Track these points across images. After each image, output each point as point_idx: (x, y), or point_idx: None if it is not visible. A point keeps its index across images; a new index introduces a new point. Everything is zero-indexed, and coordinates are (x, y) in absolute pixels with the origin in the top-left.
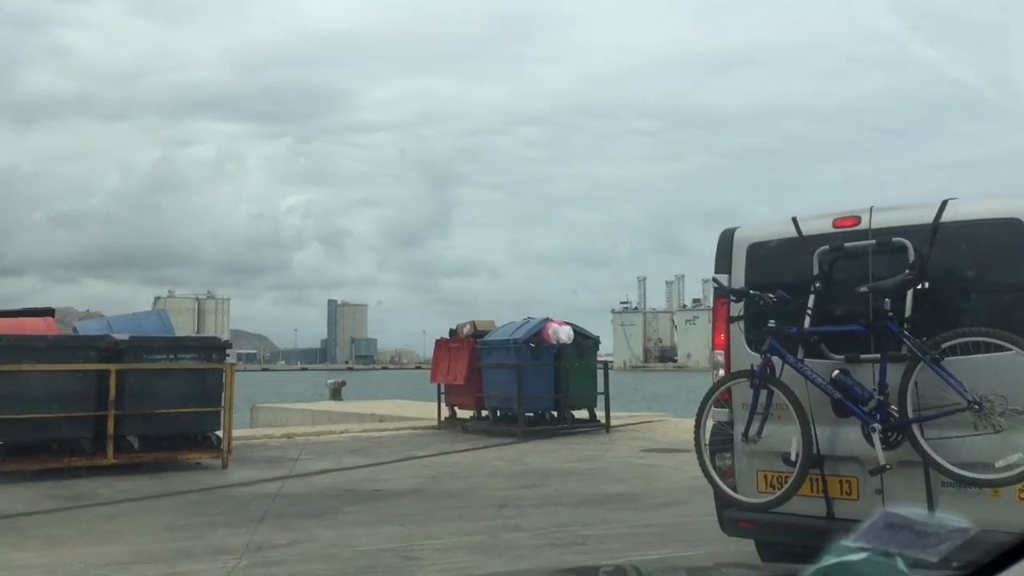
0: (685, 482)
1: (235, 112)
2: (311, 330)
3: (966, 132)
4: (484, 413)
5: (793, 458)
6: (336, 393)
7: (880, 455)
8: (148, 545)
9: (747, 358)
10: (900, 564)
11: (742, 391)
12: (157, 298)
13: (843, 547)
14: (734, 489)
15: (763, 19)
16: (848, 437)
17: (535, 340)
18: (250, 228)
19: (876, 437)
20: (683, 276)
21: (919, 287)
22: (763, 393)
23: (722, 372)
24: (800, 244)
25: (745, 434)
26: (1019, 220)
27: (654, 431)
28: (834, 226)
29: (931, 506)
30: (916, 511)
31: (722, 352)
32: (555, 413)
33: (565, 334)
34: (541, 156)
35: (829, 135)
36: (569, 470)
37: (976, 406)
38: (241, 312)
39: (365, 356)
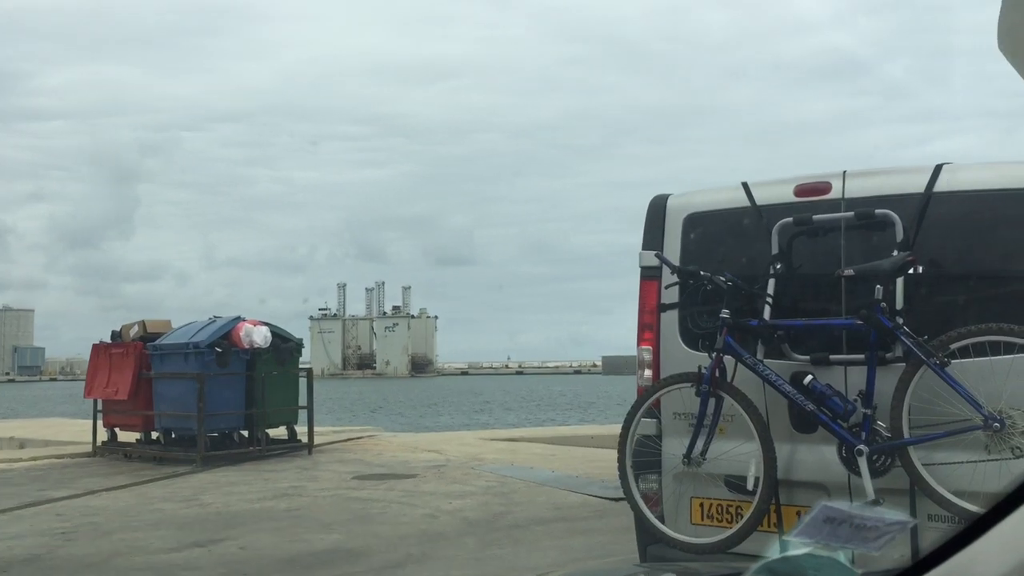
0: (416, 524)
1: None
2: None
3: (641, 154)
4: (155, 435)
5: (751, 485)
6: None
7: (869, 486)
8: None
9: (681, 356)
10: (842, 558)
11: (676, 398)
12: None
13: (786, 542)
14: (661, 519)
15: (466, 34)
16: (808, 458)
17: (223, 344)
18: None
19: (864, 462)
20: (383, 283)
21: (912, 272)
22: (711, 402)
23: (648, 373)
24: (753, 216)
25: (688, 455)
26: None
27: (366, 450)
28: (796, 194)
29: (914, 546)
30: (857, 505)
31: (650, 349)
32: (246, 433)
33: (261, 336)
34: (238, 156)
35: (523, 150)
36: (262, 512)
37: (996, 424)
38: None
39: (31, 367)
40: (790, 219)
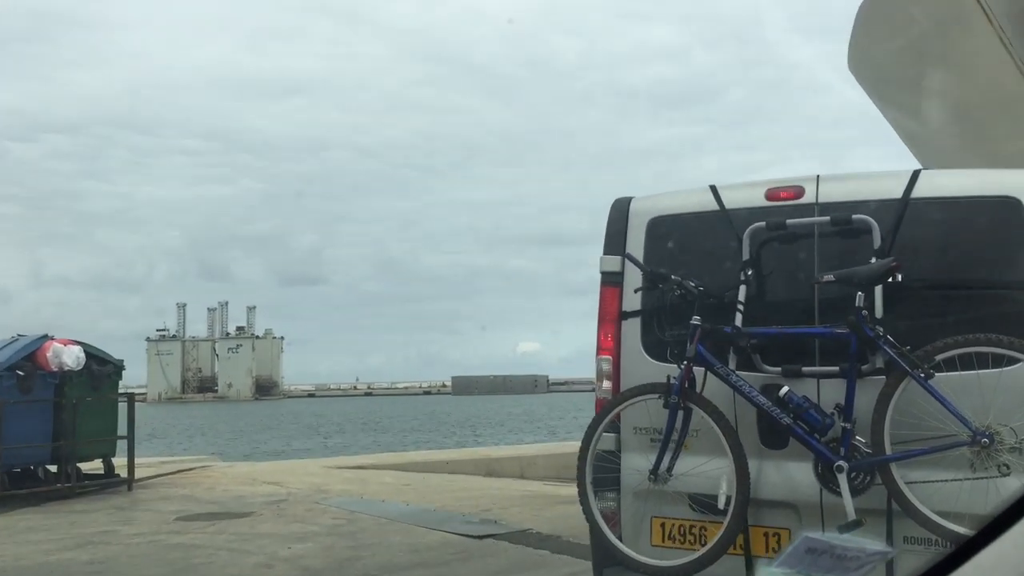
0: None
1: None
2: None
3: (491, 175)
4: None
5: (722, 504)
6: None
7: (849, 505)
8: None
9: (644, 368)
10: None
11: (639, 411)
12: None
13: (766, 572)
14: (619, 539)
15: (315, 50)
16: (777, 476)
17: (26, 366)
18: None
19: (843, 479)
20: (227, 303)
21: (892, 280)
22: (679, 415)
23: (607, 384)
24: (722, 220)
25: (654, 471)
26: (1018, 201)
27: (196, 484)
28: (768, 198)
29: (890, 571)
30: (836, 536)
31: (610, 359)
32: (54, 468)
33: (71, 357)
34: (71, 169)
35: (374, 169)
36: (57, 568)
37: (984, 439)
38: None
39: None
40: (763, 223)
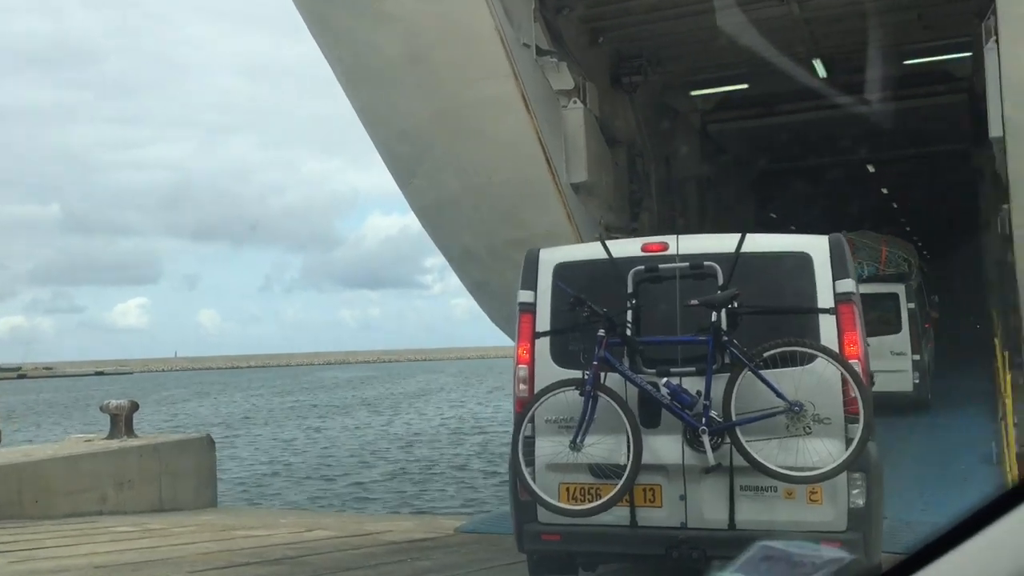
0: None
1: None
2: None
3: None
4: None
5: (624, 460)
6: None
7: (710, 454)
8: None
9: (552, 372)
10: None
11: (550, 406)
12: None
13: None
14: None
15: None
16: (652, 446)
17: None
18: None
19: (706, 439)
20: None
21: (731, 307)
22: (590, 401)
23: (524, 387)
24: (610, 266)
25: (574, 441)
26: (808, 255)
27: None
28: (643, 250)
29: (731, 510)
30: (781, 543)
31: (527, 367)
32: None
33: None
34: None
35: None
36: None
37: (796, 407)
38: None
39: None
40: (641, 267)
